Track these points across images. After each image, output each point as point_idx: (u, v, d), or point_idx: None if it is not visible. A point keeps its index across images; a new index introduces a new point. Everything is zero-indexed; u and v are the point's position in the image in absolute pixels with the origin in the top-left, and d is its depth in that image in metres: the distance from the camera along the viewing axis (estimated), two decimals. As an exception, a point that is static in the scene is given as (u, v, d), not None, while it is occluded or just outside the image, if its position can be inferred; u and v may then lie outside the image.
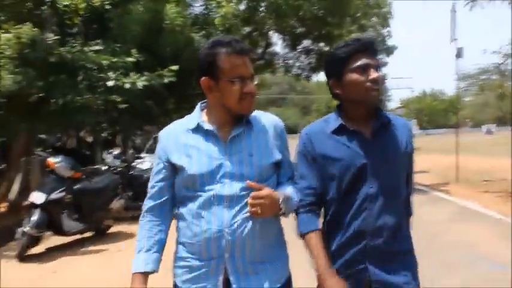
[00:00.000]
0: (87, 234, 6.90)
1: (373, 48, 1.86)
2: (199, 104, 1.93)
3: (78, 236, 6.72)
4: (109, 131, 13.61)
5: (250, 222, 1.74)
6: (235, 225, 1.73)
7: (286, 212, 1.79)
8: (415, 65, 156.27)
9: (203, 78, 1.78)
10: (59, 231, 6.24)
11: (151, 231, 1.88)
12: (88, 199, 6.57)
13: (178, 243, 1.86)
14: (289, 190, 1.83)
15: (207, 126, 1.82)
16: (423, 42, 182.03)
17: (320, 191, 1.90)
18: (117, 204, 7.09)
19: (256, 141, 1.82)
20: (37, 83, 7.74)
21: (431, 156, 20.16)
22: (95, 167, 8.03)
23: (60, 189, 6.11)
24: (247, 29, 14.35)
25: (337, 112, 1.92)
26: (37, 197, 5.92)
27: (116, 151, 9.39)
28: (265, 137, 1.84)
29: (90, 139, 13.79)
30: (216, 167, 1.76)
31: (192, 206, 1.78)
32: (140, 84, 8.65)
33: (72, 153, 7.64)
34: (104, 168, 8.11)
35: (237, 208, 1.74)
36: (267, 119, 1.89)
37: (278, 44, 16.55)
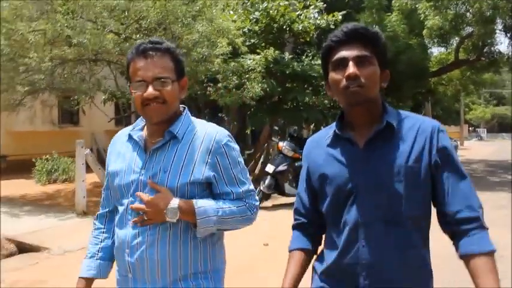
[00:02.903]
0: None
1: (359, 37, 1.49)
2: None
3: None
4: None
5: (155, 244, 1.58)
6: (136, 245, 1.59)
7: (198, 227, 1.58)
8: None
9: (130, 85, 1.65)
10: (282, 193, 9.10)
11: (97, 238, 1.82)
12: (303, 173, 9.27)
13: None
14: (208, 204, 1.59)
15: (137, 135, 1.70)
16: None
17: (312, 210, 1.68)
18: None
19: (178, 155, 1.61)
20: (277, 89, 10.77)
21: None
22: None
23: (284, 164, 8.94)
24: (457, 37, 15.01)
25: (338, 118, 1.61)
26: (269, 168, 8.91)
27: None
28: (189, 152, 1.61)
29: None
30: (132, 179, 1.63)
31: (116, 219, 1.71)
32: (352, 89, 10.91)
33: (298, 140, 10.37)
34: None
35: (141, 227, 1.59)
36: (203, 132, 1.65)
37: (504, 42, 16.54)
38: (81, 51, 8.42)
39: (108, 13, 9.04)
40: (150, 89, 1.58)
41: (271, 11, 10.97)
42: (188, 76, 9.16)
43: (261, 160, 11.60)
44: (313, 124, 14.05)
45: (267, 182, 8.83)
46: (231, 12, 10.35)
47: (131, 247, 1.61)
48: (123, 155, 1.73)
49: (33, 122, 13.06)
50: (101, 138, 15.68)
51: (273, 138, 11.69)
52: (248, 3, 11.15)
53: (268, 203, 9.10)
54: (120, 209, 1.68)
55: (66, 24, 8.09)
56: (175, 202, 1.55)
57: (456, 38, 16.64)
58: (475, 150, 29.82)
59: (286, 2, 10.97)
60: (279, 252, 5.81)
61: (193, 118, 1.75)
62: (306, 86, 11.28)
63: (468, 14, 14.01)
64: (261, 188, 8.72)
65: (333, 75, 1.52)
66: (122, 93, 11.14)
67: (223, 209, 1.62)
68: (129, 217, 1.63)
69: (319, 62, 8.34)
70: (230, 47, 9.19)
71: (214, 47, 9.06)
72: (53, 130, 15.37)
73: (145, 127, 1.74)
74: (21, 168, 12.61)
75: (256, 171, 11.53)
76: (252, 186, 1.73)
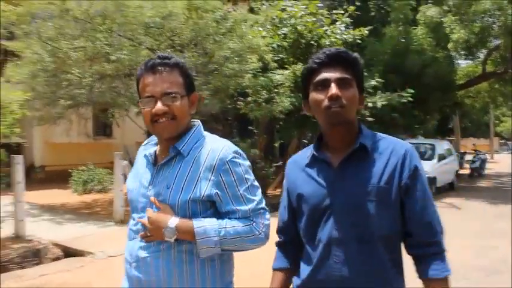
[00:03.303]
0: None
1: (341, 60, 1.54)
2: None
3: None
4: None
5: (159, 260, 1.57)
6: (142, 260, 1.60)
7: (199, 248, 1.54)
8: None
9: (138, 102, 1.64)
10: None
11: None
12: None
13: None
14: (209, 223, 1.55)
15: (148, 150, 1.71)
16: None
17: (292, 229, 1.70)
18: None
19: (180, 172, 1.60)
20: (305, 103, 11.06)
21: None
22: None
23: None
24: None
25: (317, 139, 1.65)
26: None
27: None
28: (192, 169, 1.59)
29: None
30: (140, 195, 1.66)
31: None
32: (379, 103, 11.12)
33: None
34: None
35: (149, 244, 1.60)
36: (208, 148, 1.62)
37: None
38: (118, 67, 8.88)
39: (144, 30, 9.52)
40: (159, 105, 1.56)
41: (299, 27, 11.30)
42: (219, 91, 9.53)
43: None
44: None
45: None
46: (260, 28, 10.71)
47: (137, 261, 1.62)
48: (137, 170, 1.75)
49: (69, 134, 13.62)
50: (132, 150, 16.15)
51: (301, 151, 12.00)
52: (276, 20, 11.49)
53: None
54: (132, 222, 1.69)
55: (105, 42, 8.59)
56: (173, 222, 1.53)
57: (483, 51, 16.66)
58: (505, 163, 29.36)
59: (314, 19, 11.28)
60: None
61: (206, 133, 1.71)
62: (332, 99, 11.54)
63: (494, 26, 14.05)
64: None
65: (315, 96, 1.54)
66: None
67: (226, 229, 1.56)
68: (138, 231, 1.64)
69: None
70: (260, 62, 9.52)
71: (245, 62, 9.41)
72: (87, 142, 15.98)
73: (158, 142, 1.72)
74: (58, 178, 13.19)
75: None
76: (262, 205, 1.64)
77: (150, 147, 1.74)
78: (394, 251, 1.56)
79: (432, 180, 12.35)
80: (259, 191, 1.67)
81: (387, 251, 1.53)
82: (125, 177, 8.44)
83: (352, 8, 11.94)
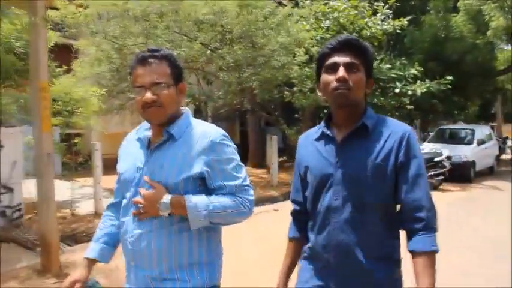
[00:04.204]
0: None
1: (351, 47, 1.67)
2: None
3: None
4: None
5: (152, 234, 1.71)
6: (136, 235, 1.72)
7: (190, 220, 1.68)
8: None
9: None
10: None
11: (104, 224, 1.97)
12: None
13: None
14: (199, 199, 1.69)
15: (143, 135, 1.83)
16: None
17: (303, 198, 1.85)
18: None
19: (173, 153, 1.73)
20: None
21: None
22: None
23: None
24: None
25: (326, 117, 1.80)
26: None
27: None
28: (185, 150, 1.73)
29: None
30: (135, 175, 1.77)
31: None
32: (419, 91, 11.61)
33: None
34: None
35: (141, 220, 1.73)
36: (199, 131, 1.77)
37: None
38: (183, 64, 9.70)
39: (197, 26, 10.33)
40: (148, 94, 1.70)
41: (341, 20, 11.86)
42: (267, 82, 10.25)
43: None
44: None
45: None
46: (304, 22, 11.34)
47: (132, 236, 1.74)
48: (131, 153, 1.86)
49: (123, 124, 14.63)
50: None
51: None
52: (319, 13, 12.08)
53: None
54: (124, 201, 1.82)
55: (165, 39, 9.43)
56: (167, 197, 1.67)
57: (524, 36, 16.69)
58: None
59: (356, 11, 11.81)
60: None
61: (194, 119, 1.85)
62: (374, 87, 12.08)
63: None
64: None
65: (325, 77, 1.69)
66: (207, 97, 12.44)
67: (214, 203, 1.70)
68: (130, 209, 1.77)
69: (387, 65, 9.32)
70: (306, 55, 10.18)
71: (292, 54, 10.09)
72: (140, 131, 16.94)
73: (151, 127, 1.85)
74: (113, 165, 14.21)
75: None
76: (246, 182, 1.79)
77: (142, 131, 1.86)
78: (390, 220, 1.69)
79: (471, 164, 12.76)
80: (244, 170, 1.82)
81: (382, 219, 1.66)
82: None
83: (392, 0, 12.39)
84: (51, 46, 7.90)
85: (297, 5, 12.04)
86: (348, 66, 1.66)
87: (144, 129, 1.87)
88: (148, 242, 1.71)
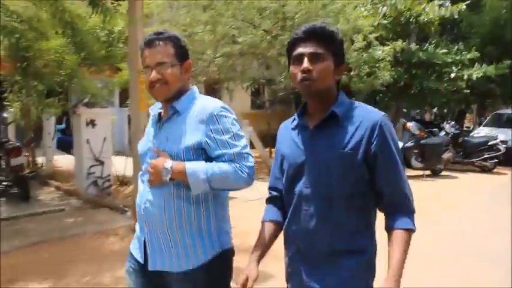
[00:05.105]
0: (427, 172, 10.86)
1: (316, 35, 1.65)
2: None
3: (420, 172, 10.81)
4: (456, 108, 17.13)
5: (162, 202, 1.83)
6: (148, 202, 1.87)
7: (191, 185, 1.78)
8: None
9: None
10: (409, 166, 10.45)
11: None
12: (427, 149, 10.59)
13: None
14: (198, 165, 1.79)
15: (154, 112, 2.00)
16: None
17: (280, 186, 1.87)
18: (447, 155, 10.82)
19: (177, 126, 1.86)
20: (404, 76, 12.04)
21: None
22: (434, 129, 11.82)
23: (412, 141, 10.35)
24: None
25: (302, 105, 1.81)
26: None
27: (453, 122, 12.90)
28: (187, 122, 1.84)
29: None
30: (147, 148, 1.95)
31: None
32: (474, 76, 11.81)
33: (419, 121, 11.54)
34: (441, 132, 11.83)
35: (153, 189, 1.86)
36: (200, 105, 1.87)
37: None
38: (242, 48, 10.44)
39: (260, 14, 10.97)
40: (154, 73, 1.84)
41: (398, 5, 12.16)
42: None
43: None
44: (435, 108, 15.00)
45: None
46: (362, 9, 11.73)
47: (145, 203, 1.89)
48: (147, 129, 2.05)
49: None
50: (239, 119, 17.91)
51: (403, 120, 13.01)
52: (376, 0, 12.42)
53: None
54: (140, 173, 2.01)
55: (233, 26, 10.16)
56: (168, 163, 1.79)
57: None
58: None
59: (413, -3, 12.08)
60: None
61: (200, 95, 1.96)
62: (429, 72, 12.36)
63: None
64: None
65: (292, 69, 1.70)
66: (267, 81, 13.13)
67: (213, 169, 1.77)
68: (143, 179, 1.94)
69: (442, 50, 9.70)
70: (364, 41, 10.63)
71: (350, 41, 10.57)
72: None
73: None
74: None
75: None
76: (245, 150, 1.84)
77: (156, 109, 2.02)
78: (361, 209, 1.68)
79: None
80: (244, 139, 1.88)
81: (351, 208, 1.65)
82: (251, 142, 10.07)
83: (450, -15, 12.55)
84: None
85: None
86: (312, 56, 1.65)
87: (158, 108, 2.01)
88: (160, 209, 1.84)
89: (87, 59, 8.10)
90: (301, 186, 1.72)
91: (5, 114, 9.50)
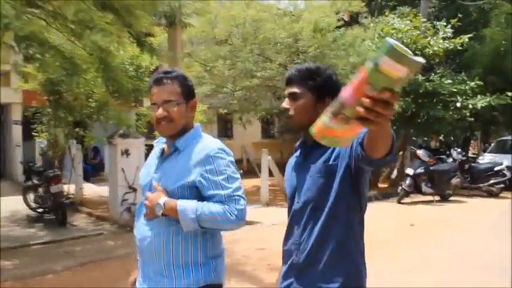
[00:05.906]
0: (437, 197, 11.35)
1: (296, 78, 1.83)
2: None
3: (430, 198, 11.33)
4: (461, 136, 17.70)
5: (153, 234, 1.91)
6: (142, 233, 1.95)
7: (181, 222, 1.83)
8: None
9: None
10: (419, 192, 11.03)
11: None
12: (437, 175, 11.15)
13: None
14: (189, 204, 1.84)
15: (159, 146, 2.07)
16: None
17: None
18: (455, 181, 11.35)
19: (175, 164, 1.93)
20: (411, 106, 12.61)
21: None
22: (442, 157, 12.35)
23: (422, 167, 10.90)
24: None
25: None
26: (409, 171, 10.95)
27: (459, 149, 13.46)
28: (185, 161, 1.90)
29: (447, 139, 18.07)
30: (147, 181, 2.02)
31: None
32: (479, 105, 12.40)
33: (429, 148, 12.08)
34: (448, 158, 12.35)
35: (147, 220, 1.94)
36: (200, 145, 1.92)
37: None
38: (260, 82, 11.11)
39: (275, 49, 11.67)
40: (160, 110, 1.90)
41: (404, 39, 12.86)
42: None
43: (397, 166, 13.51)
44: (442, 135, 15.55)
45: (407, 182, 10.85)
46: (370, 44, 12.44)
47: (139, 234, 1.98)
48: (149, 162, 2.12)
49: (211, 134, 16.08)
50: (249, 149, 18.29)
51: (412, 147, 13.57)
52: (383, 34, 13.13)
53: (408, 200, 11.09)
54: (138, 205, 2.07)
55: (251, 61, 10.85)
56: (162, 199, 1.85)
57: None
58: None
59: (418, 32, 12.79)
60: (422, 231, 7.83)
61: (204, 134, 2.02)
62: (435, 101, 12.95)
63: None
64: (403, 187, 10.75)
65: (283, 105, 1.88)
66: (279, 112, 13.74)
67: (203, 209, 1.82)
68: (142, 210, 1.98)
69: (448, 80, 10.39)
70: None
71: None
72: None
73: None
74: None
75: (393, 176, 13.51)
76: (237, 192, 1.87)
77: (161, 144, 2.08)
78: (345, 230, 1.76)
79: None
80: (238, 181, 1.91)
81: (332, 224, 1.75)
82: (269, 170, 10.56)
83: (454, 20, 13.27)
84: (153, 68, 9.45)
85: (356, 22, 13.07)
86: (290, 96, 1.84)
87: (162, 142, 2.08)
88: (150, 241, 1.91)
89: (115, 91, 8.62)
90: (295, 203, 1.88)
91: (41, 145, 10.04)
